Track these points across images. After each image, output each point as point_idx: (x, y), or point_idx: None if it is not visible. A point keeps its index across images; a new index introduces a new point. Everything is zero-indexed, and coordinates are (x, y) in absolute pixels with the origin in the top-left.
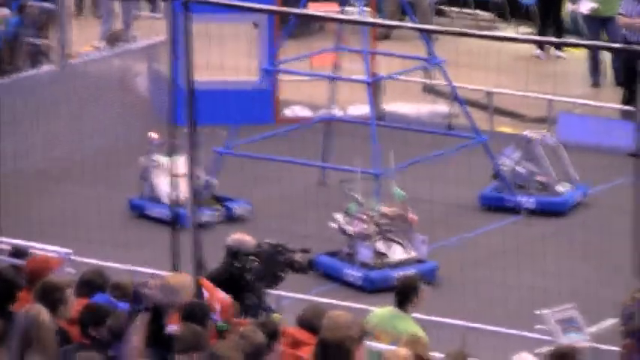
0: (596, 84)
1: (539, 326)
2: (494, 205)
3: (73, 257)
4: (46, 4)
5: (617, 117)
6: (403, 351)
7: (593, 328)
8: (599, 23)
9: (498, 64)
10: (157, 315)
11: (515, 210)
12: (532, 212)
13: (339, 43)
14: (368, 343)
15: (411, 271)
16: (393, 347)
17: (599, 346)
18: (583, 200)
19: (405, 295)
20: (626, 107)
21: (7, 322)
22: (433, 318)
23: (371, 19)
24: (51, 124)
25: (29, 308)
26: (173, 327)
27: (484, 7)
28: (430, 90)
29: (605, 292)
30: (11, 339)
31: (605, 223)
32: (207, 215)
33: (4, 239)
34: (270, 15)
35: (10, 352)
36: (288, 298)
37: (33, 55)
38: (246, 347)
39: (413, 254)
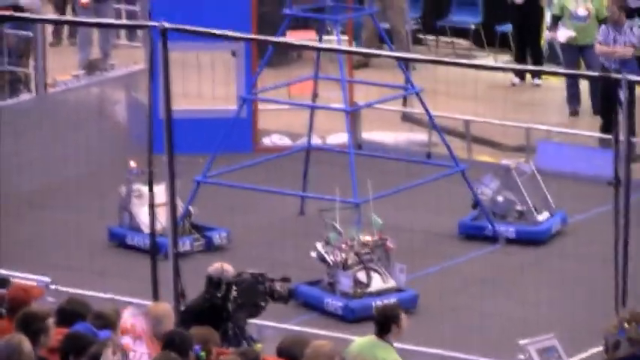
0: (574, 112)
1: (520, 356)
2: (473, 234)
3: (53, 286)
4: (24, 33)
5: (595, 145)
6: None
7: (574, 358)
8: (576, 51)
9: (476, 93)
10: None
11: (494, 239)
12: (511, 241)
13: (317, 71)
14: None
15: (391, 300)
16: None
17: None
18: (562, 229)
19: (385, 324)
20: (604, 135)
21: None
22: (413, 347)
23: (349, 48)
24: (29, 151)
25: (10, 338)
26: None
27: (462, 35)
28: (408, 118)
29: (584, 321)
30: None
31: (585, 252)
32: (186, 244)
33: None
34: (248, 43)
35: None
36: (269, 327)
37: (11, 83)
38: None
39: (392, 283)
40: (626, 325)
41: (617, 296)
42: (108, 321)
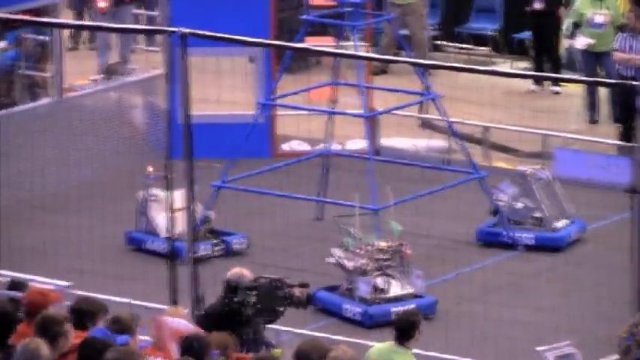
0: (592, 120)
1: None
2: (491, 241)
3: (71, 290)
4: (42, 37)
5: (613, 153)
6: None
7: None
8: (594, 58)
9: (494, 99)
10: None
11: (511, 246)
12: (529, 248)
13: (336, 77)
14: None
15: (410, 307)
16: None
17: None
18: (580, 236)
19: (404, 330)
20: (623, 143)
21: (5, 355)
22: (431, 353)
23: (367, 54)
24: (47, 155)
25: (29, 342)
26: None
27: (480, 42)
28: (427, 125)
29: (602, 328)
30: None
31: (603, 259)
32: (204, 249)
33: (3, 272)
34: (267, 49)
35: None
36: (287, 332)
37: (29, 87)
38: None
39: (410, 289)
40: (635, 329)
41: (635, 303)
42: (125, 326)
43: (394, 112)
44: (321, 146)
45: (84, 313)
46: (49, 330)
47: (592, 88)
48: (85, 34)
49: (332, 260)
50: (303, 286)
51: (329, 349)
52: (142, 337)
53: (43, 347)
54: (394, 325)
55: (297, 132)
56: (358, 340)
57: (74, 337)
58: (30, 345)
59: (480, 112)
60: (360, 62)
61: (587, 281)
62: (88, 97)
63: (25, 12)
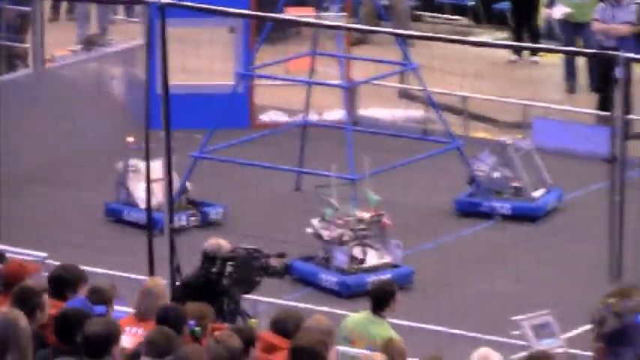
0: (571, 89)
1: (514, 332)
2: (470, 211)
3: (48, 261)
4: (22, 8)
5: (592, 123)
6: (379, 356)
7: (568, 334)
8: (573, 28)
9: (474, 70)
10: None
11: (489, 215)
12: (507, 217)
13: (315, 47)
14: (344, 348)
15: (386, 276)
16: (368, 352)
17: (574, 351)
18: (558, 205)
19: (380, 299)
20: (602, 113)
21: None
22: (408, 323)
23: (346, 24)
24: (27, 127)
25: (6, 313)
26: None
27: (460, 13)
28: (405, 95)
29: (580, 297)
30: None
31: (580, 229)
32: (182, 220)
33: None
34: (246, 20)
35: None
36: (264, 303)
37: (9, 58)
38: (222, 352)
39: (388, 259)
40: (611, 300)
41: (612, 273)
42: (104, 296)
43: (373, 82)
44: (299, 117)
45: (63, 282)
46: (28, 302)
47: (571, 58)
48: (64, 4)
49: (310, 230)
50: (281, 256)
51: (304, 319)
52: (119, 308)
53: (22, 318)
54: (369, 294)
55: (276, 102)
56: (335, 310)
57: (52, 307)
58: (8, 316)
59: (460, 83)
60: (339, 32)
61: (565, 250)
62: (68, 68)
63: None
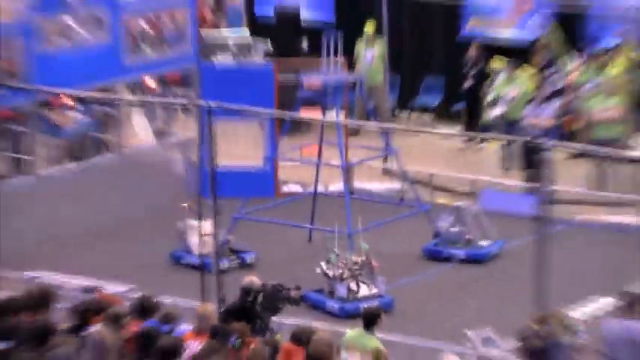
0: (507, 168)
1: (467, 343)
2: (434, 256)
3: (129, 295)
4: (108, 109)
5: (521, 191)
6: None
7: (504, 344)
8: (509, 123)
9: (437, 153)
10: None
11: (449, 259)
12: (462, 261)
13: (322, 137)
14: (344, 356)
15: (374, 303)
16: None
17: (508, 356)
18: (499, 252)
19: (370, 320)
20: (529, 184)
21: (81, 341)
22: (390, 338)
23: (344, 120)
24: (111, 196)
25: (98, 331)
26: None
27: (427, 111)
28: (387, 172)
29: (512, 319)
30: (84, 353)
31: (516, 270)
32: (225, 263)
33: (80, 279)
34: (271, 118)
35: None
36: (286, 323)
37: (97, 146)
38: (257, 358)
39: (375, 291)
40: (534, 324)
41: (539, 302)
42: (170, 318)
43: (364, 162)
44: (311, 188)
45: (142, 309)
46: (114, 322)
47: (507, 145)
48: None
49: (319, 270)
50: (298, 289)
51: (315, 334)
52: (182, 327)
53: (109, 334)
54: (362, 316)
55: (293, 178)
56: (337, 328)
57: (133, 326)
58: (100, 333)
59: (427, 163)
60: (339, 126)
61: (505, 286)
62: (142, 154)
63: (97, 90)
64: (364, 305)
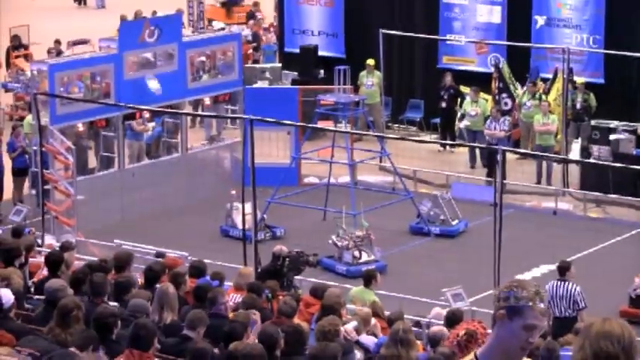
0: (472, 166)
1: (442, 298)
2: (417, 232)
3: (189, 257)
4: (175, 120)
5: (483, 184)
6: (369, 310)
7: (470, 299)
8: (472, 133)
9: (419, 155)
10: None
11: (428, 234)
12: (437, 235)
13: (334, 142)
14: (348, 306)
15: (371, 267)
16: (363, 308)
17: (475, 308)
18: (465, 229)
19: (368, 279)
20: (488, 179)
21: (152, 293)
22: (384, 292)
23: (350, 130)
24: (176, 185)
25: (164, 285)
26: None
27: (412, 124)
28: (382, 168)
29: (477, 279)
30: (154, 302)
31: (478, 242)
32: (261, 236)
33: (153, 248)
34: (296, 127)
35: (153, 311)
36: (306, 280)
37: (169, 148)
38: (286, 307)
39: (373, 257)
40: (514, 287)
41: (495, 265)
42: (219, 276)
43: (365, 161)
44: (325, 180)
45: (197, 269)
46: (176, 279)
47: (472, 149)
48: (198, 118)
49: (331, 241)
50: (315, 255)
51: (328, 288)
52: (227, 283)
53: (171, 288)
54: (363, 276)
55: (312, 172)
56: (344, 285)
57: (190, 282)
58: (164, 287)
59: (412, 162)
60: (346, 134)
61: (470, 254)
62: (200, 154)
63: (166, 106)
64: (364, 268)
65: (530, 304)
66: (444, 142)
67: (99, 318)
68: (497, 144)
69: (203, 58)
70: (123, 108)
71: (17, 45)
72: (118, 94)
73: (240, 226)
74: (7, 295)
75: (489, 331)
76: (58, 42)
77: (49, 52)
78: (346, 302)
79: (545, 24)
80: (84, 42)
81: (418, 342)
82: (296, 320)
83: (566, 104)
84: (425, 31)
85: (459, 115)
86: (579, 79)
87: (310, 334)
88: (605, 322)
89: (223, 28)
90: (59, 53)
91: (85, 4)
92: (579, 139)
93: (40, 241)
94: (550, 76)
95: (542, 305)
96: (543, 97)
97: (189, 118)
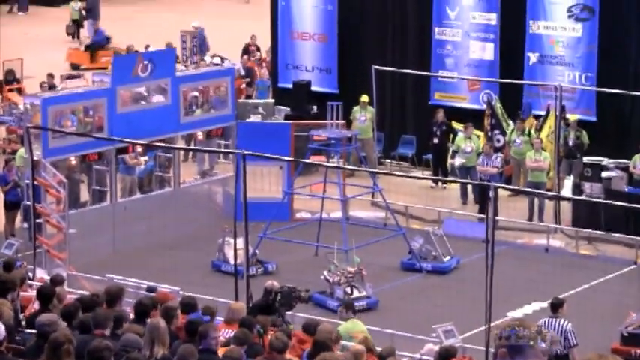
0: (464, 203)
1: (433, 334)
2: (409, 268)
3: (181, 292)
4: (168, 155)
5: (475, 220)
6: (361, 345)
7: (462, 336)
8: (466, 170)
9: (411, 191)
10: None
11: (420, 270)
12: (429, 272)
13: (326, 178)
14: (344, 343)
15: (362, 303)
16: (353, 344)
17: (466, 345)
18: (457, 265)
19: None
20: (480, 215)
21: (144, 327)
22: (375, 328)
23: (343, 165)
24: (168, 219)
25: (155, 320)
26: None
27: (404, 160)
28: (374, 204)
29: (469, 315)
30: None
31: (470, 279)
32: (253, 270)
33: (144, 282)
34: (288, 163)
35: (145, 345)
36: (297, 316)
37: (162, 182)
38: (277, 343)
39: (364, 293)
40: (516, 326)
41: (487, 302)
42: (210, 311)
43: (357, 197)
44: (317, 215)
45: (188, 305)
46: (168, 314)
47: (464, 185)
48: (190, 153)
49: (322, 277)
50: (307, 291)
51: (320, 324)
52: (219, 318)
53: (162, 323)
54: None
55: (304, 207)
56: (335, 320)
57: (182, 318)
58: (155, 322)
59: (404, 198)
60: (339, 170)
61: (462, 289)
62: (193, 188)
63: (159, 140)
64: (357, 304)
65: (532, 342)
66: (436, 178)
67: (94, 351)
68: (489, 180)
69: (196, 93)
70: (116, 142)
71: (11, 79)
72: (111, 128)
73: (231, 261)
74: (0, 328)
75: None
76: (51, 75)
77: (41, 85)
78: (340, 339)
79: (537, 61)
80: (77, 76)
81: None
82: (287, 356)
83: (558, 141)
84: (417, 67)
85: (450, 151)
86: (572, 116)
87: None
88: (600, 357)
89: (218, 64)
90: (52, 87)
91: (78, 37)
92: (571, 177)
93: (31, 274)
94: (542, 113)
95: (543, 345)
96: (534, 133)
97: (181, 152)
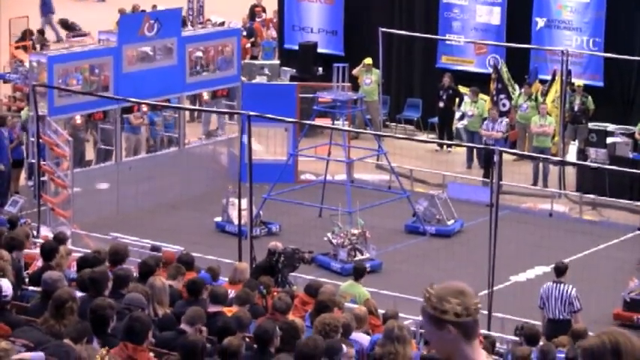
0: (469, 166)
1: None
2: (413, 231)
3: (184, 252)
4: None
5: (479, 184)
6: (363, 307)
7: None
8: (471, 133)
9: (416, 154)
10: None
11: (423, 233)
12: (433, 235)
13: (331, 140)
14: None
15: (366, 264)
16: (355, 305)
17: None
18: (461, 229)
19: (360, 273)
20: (485, 179)
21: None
22: (378, 290)
23: (348, 128)
24: (173, 179)
25: (151, 279)
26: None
27: (410, 123)
28: (379, 167)
29: (472, 279)
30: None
31: (473, 241)
32: (257, 231)
33: (149, 241)
34: (294, 124)
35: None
36: (300, 277)
37: (169, 142)
38: (280, 304)
39: (368, 256)
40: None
41: (490, 266)
42: (214, 272)
43: (362, 159)
44: (322, 177)
45: (186, 263)
46: (176, 273)
47: (469, 149)
48: (196, 113)
49: (326, 239)
50: (310, 252)
51: (322, 285)
52: (222, 278)
53: (159, 282)
54: (353, 269)
55: (309, 169)
56: (338, 283)
57: (187, 276)
58: (151, 280)
59: (409, 161)
60: (344, 132)
61: (465, 252)
62: (197, 149)
63: (164, 100)
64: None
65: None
66: (441, 141)
67: (96, 309)
68: (494, 145)
69: (200, 53)
70: (121, 101)
71: (23, 37)
72: (117, 87)
73: (236, 222)
74: (6, 285)
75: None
76: (40, 32)
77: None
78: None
79: (545, 26)
80: (83, 34)
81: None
82: (290, 317)
83: (564, 106)
84: (424, 31)
85: (457, 115)
86: (578, 82)
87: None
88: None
89: (222, 23)
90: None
91: None
92: (576, 142)
93: (35, 232)
94: (549, 77)
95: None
96: (540, 98)
97: (187, 112)
